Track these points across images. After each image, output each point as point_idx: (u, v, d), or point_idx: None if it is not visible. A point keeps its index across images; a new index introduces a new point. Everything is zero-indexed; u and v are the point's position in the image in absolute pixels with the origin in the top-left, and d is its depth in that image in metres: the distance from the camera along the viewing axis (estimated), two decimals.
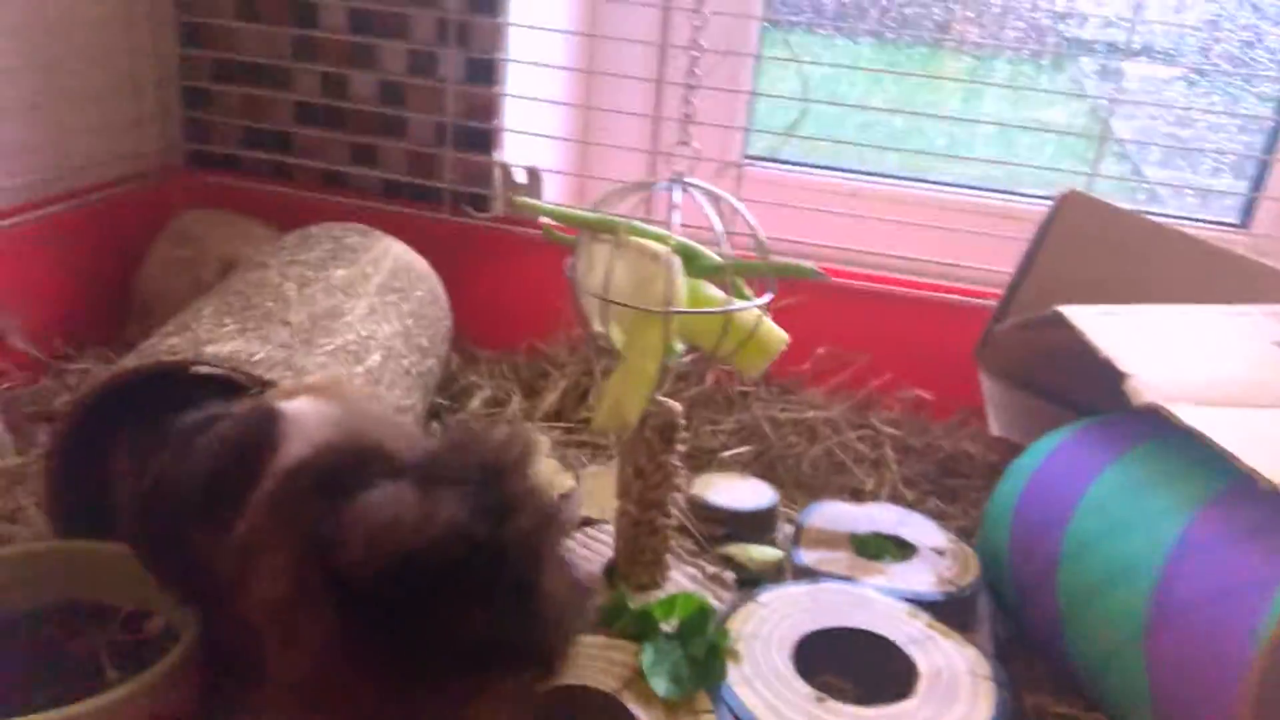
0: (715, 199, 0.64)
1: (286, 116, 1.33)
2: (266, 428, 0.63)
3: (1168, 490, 0.66)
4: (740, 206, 0.64)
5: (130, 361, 0.76)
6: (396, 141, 1.30)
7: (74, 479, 0.77)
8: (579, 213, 0.69)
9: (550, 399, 1.11)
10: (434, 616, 0.54)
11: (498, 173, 1.27)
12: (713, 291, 0.70)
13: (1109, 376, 0.72)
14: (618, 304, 0.64)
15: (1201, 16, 1.27)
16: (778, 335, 0.70)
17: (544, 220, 0.77)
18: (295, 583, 0.56)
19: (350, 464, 0.59)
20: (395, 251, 1.08)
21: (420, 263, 1.11)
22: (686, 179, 0.63)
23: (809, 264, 0.69)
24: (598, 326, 0.67)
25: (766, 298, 0.68)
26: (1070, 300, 0.84)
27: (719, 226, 0.63)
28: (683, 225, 0.67)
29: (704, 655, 0.66)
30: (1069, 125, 1.36)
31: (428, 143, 1.29)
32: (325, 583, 0.54)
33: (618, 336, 0.68)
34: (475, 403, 1.11)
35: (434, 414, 1.09)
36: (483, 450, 0.59)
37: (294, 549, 0.57)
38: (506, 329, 1.26)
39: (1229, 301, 0.86)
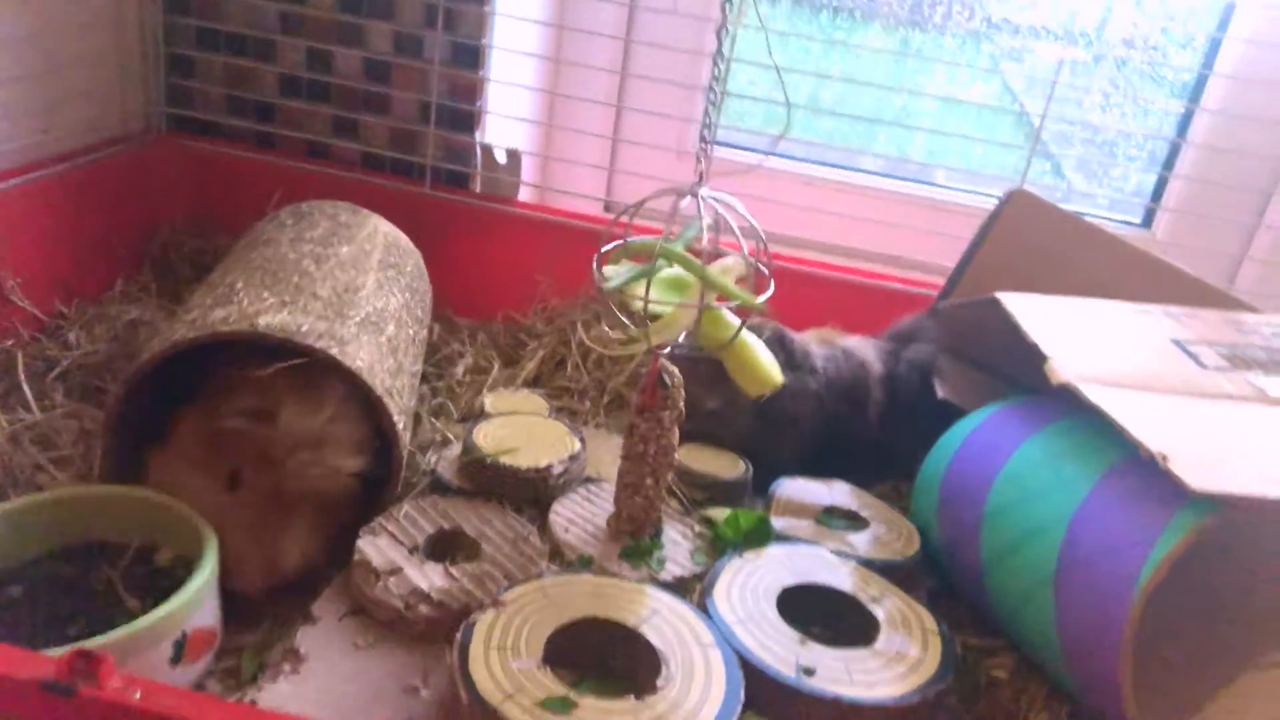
0: (728, 206, 0.74)
1: (271, 87, 1.37)
2: None
3: (1076, 461, 0.79)
4: (750, 217, 0.74)
5: (188, 332, 0.79)
6: (380, 117, 1.36)
7: (122, 433, 0.83)
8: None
9: (529, 367, 1.20)
10: None
11: (479, 152, 1.34)
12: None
13: (1031, 355, 0.83)
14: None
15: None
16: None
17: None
18: None
19: None
20: (384, 229, 1.14)
21: (404, 239, 1.17)
22: (702, 191, 0.72)
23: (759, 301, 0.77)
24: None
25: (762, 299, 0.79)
26: (1005, 286, 0.93)
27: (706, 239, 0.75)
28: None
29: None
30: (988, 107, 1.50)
31: (411, 120, 1.35)
32: None
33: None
34: (459, 370, 1.19)
35: (422, 379, 1.17)
36: None
37: None
38: (482, 300, 1.34)
39: (1138, 295, 0.97)
